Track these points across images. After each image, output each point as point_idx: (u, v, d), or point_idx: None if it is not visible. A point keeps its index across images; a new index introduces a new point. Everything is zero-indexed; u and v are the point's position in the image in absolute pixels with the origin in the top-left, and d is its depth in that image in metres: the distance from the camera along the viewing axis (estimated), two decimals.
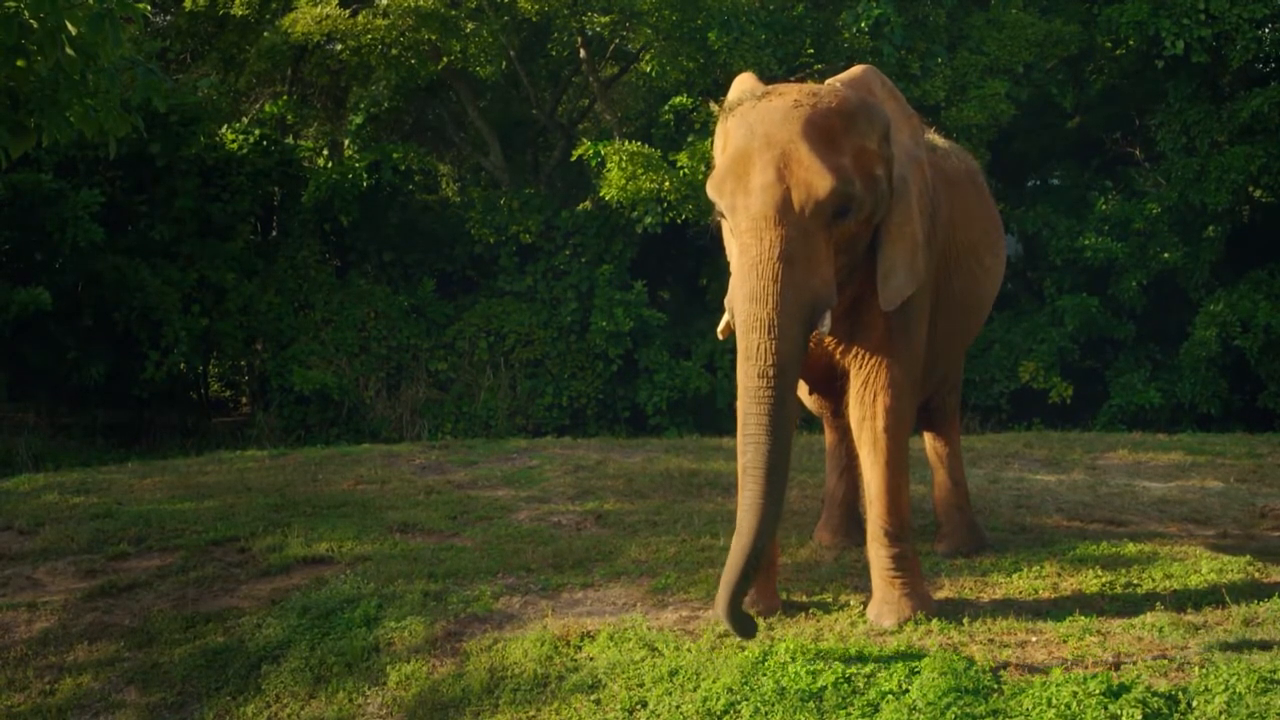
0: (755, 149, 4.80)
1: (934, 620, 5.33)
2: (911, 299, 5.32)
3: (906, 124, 5.38)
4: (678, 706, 4.81)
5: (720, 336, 5.13)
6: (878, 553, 5.46)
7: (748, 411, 4.75)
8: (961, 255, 5.85)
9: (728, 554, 5.67)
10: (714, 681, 4.86)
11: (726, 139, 5.07)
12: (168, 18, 17.38)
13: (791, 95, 4.92)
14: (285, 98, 16.93)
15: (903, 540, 5.44)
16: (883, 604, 5.43)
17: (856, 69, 5.47)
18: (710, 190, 4.95)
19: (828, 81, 5.35)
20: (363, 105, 17.47)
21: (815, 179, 4.70)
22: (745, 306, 4.75)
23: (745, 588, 4.79)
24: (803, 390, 5.77)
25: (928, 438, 6.73)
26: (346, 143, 17.65)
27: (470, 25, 15.10)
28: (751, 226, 4.75)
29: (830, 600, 5.75)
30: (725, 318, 5.00)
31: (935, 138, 6.10)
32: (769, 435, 4.70)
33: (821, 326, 4.82)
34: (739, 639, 4.97)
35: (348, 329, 14.88)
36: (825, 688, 4.70)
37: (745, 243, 4.77)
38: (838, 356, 5.45)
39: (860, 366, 5.36)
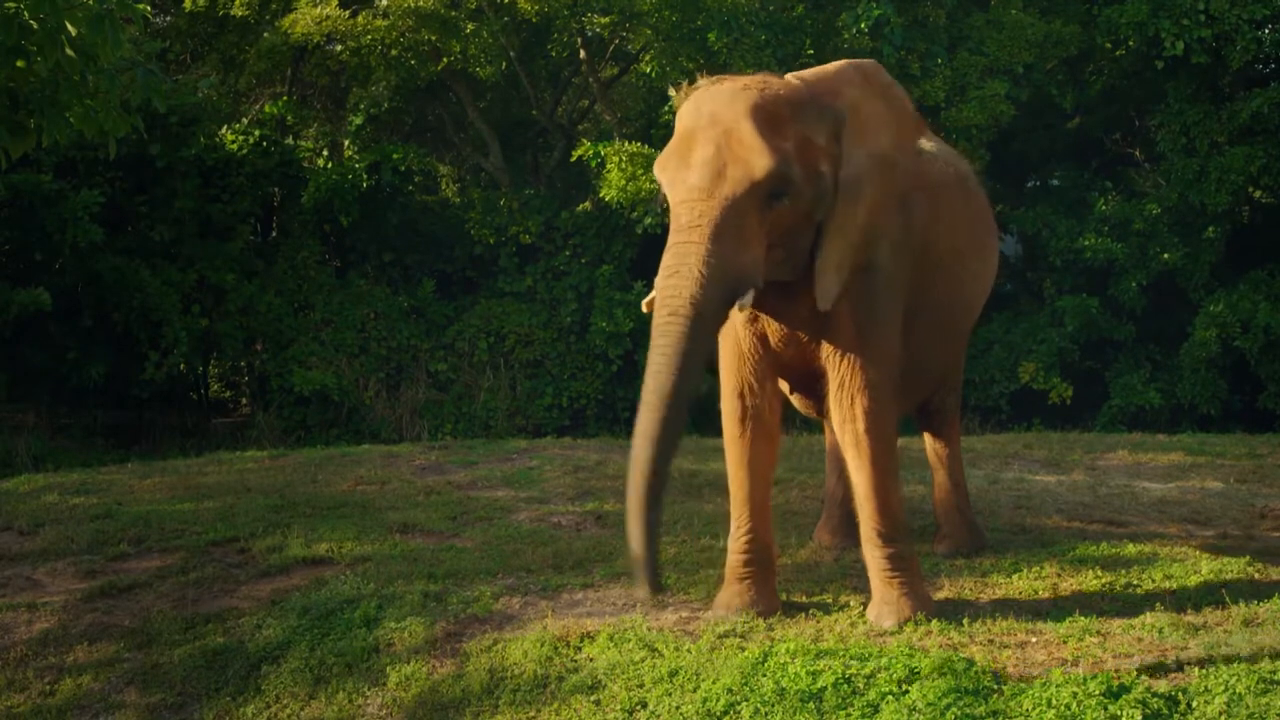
0: (700, 127, 4.89)
1: (934, 621, 5.33)
2: (879, 301, 5.32)
3: (887, 128, 5.31)
4: (677, 707, 4.81)
5: (644, 310, 5.09)
6: (873, 554, 5.46)
7: (654, 346, 4.77)
8: (944, 259, 5.82)
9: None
10: (714, 682, 4.86)
11: (678, 123, 5.12)
12: (167, 18, 17.36)
13: (743, 81, 5.01)
14: (285, 98, 16.92)
15: (897, 540, 5.43)
16: (882, 604, 5.43)
17: (837, 64, 5.46)
18: (655, 169, 5.02)
19: (821, 67, 5.37)
20: (362, 106, 17.47)
21: (754, 156, 4.76)
22: (668, 263, 4.80)
23: (653, 523, 4.72)
24: (785, 389, 5.78)
25: (927, 439, 6.73)
26: (346, 143, 17.65)
27: (470, 26, 15.09)
28: (686, 198, 4.82)
29: (830, 601, 5.75)
30: (652, 294, 4.99)
31: (924, 141, 6.08)
32: (670, 368, 4.70)
33: (740, 302, 4.84)
34: (643, 590, 4.88)
35: (347, 330, 14.87)
36: (825, 688, 4.70)
37: (677, 213, 4.84)
38: (812, 357, 5.44)
39: (835, 368, 5.36)
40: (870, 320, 5.33)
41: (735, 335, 5.50)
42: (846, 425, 5.37)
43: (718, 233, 4.73)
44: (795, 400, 5.90)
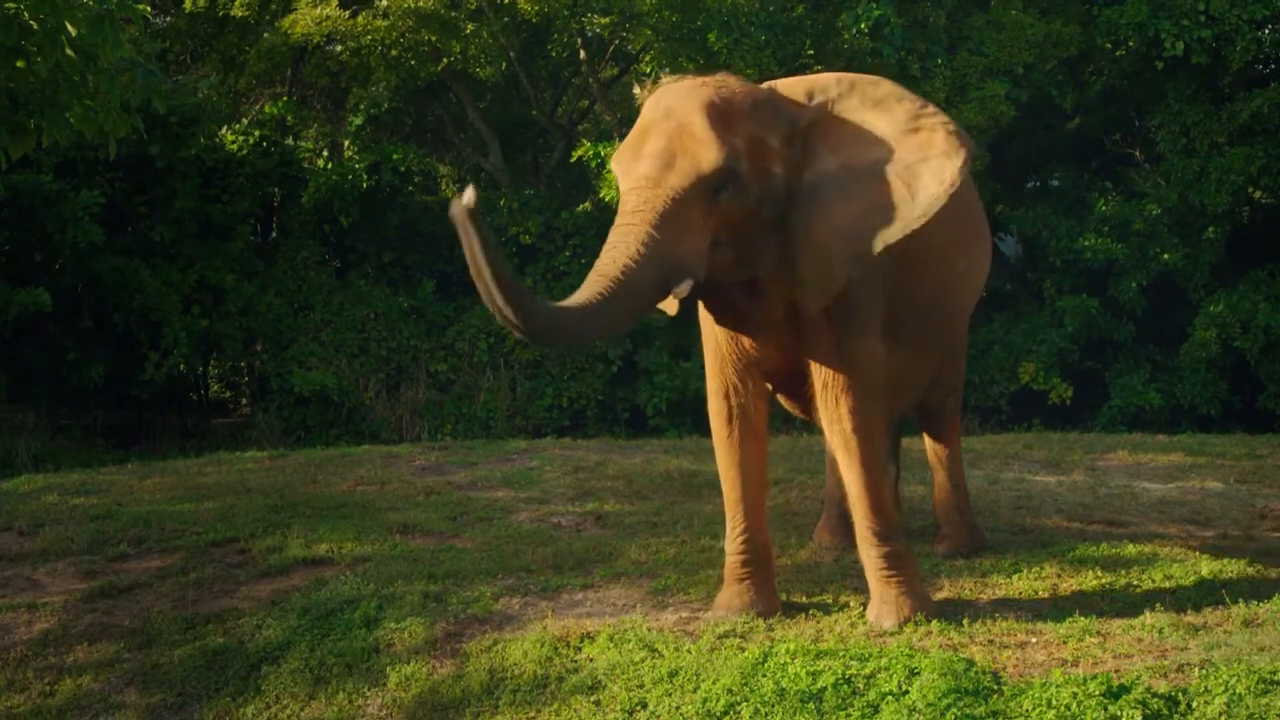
0: (655, 120, 4.95)
1: (934, 621, 5.33)
2: (855, 302, 5.30)
3: (865, 142, 5.21)
4: (677, 707, 4.82)
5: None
6: (869, 554, 5.46)
7: (579, 292, 4.76)
8: (926, 260, 5.80)
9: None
10: (714, 682, 4.86)
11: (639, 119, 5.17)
12: (167, 19, 17.37)
13: (702, 80, 5.06)
14: (285, 99, 16.92)
15: (892, 539, 5.43)
16: (881, 604, 5.43)
17: (825, 76, 5.47)
18: (612, 162, 5.07)
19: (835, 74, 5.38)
20: (362, 106, 17.47)
21: (702, 149, 4.81)
22: (608, 242, 4.83)
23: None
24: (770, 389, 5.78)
25: (927, 439, 6.73)
26: (346, 144, 17.66)
27: (470, 26, 15.09)
28: (634, 185, 4.87)
29: (830, 601, 5.75)
30: None
31: None
32: (582, 305, 4.69)
33: (676, 290, 4.84)
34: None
35: (347, 330, 14.87)
36: (825, 689, 4.70)
37: (624, 199, 4.90)
38: (792, 360, 5.44)
39: (817, 371, 5.37)
40: (848, 323, 5.32)
41: (715, 337, 5.52)
42: (834, 427, 5.38)
43: (660, 219, 4.78)
44: (782, 401, 5.90)
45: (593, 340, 5.05)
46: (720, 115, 4.89)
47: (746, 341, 5.42)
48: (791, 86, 5.34)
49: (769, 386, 5.70)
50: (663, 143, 4.87)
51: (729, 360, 5.51)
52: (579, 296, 4.75)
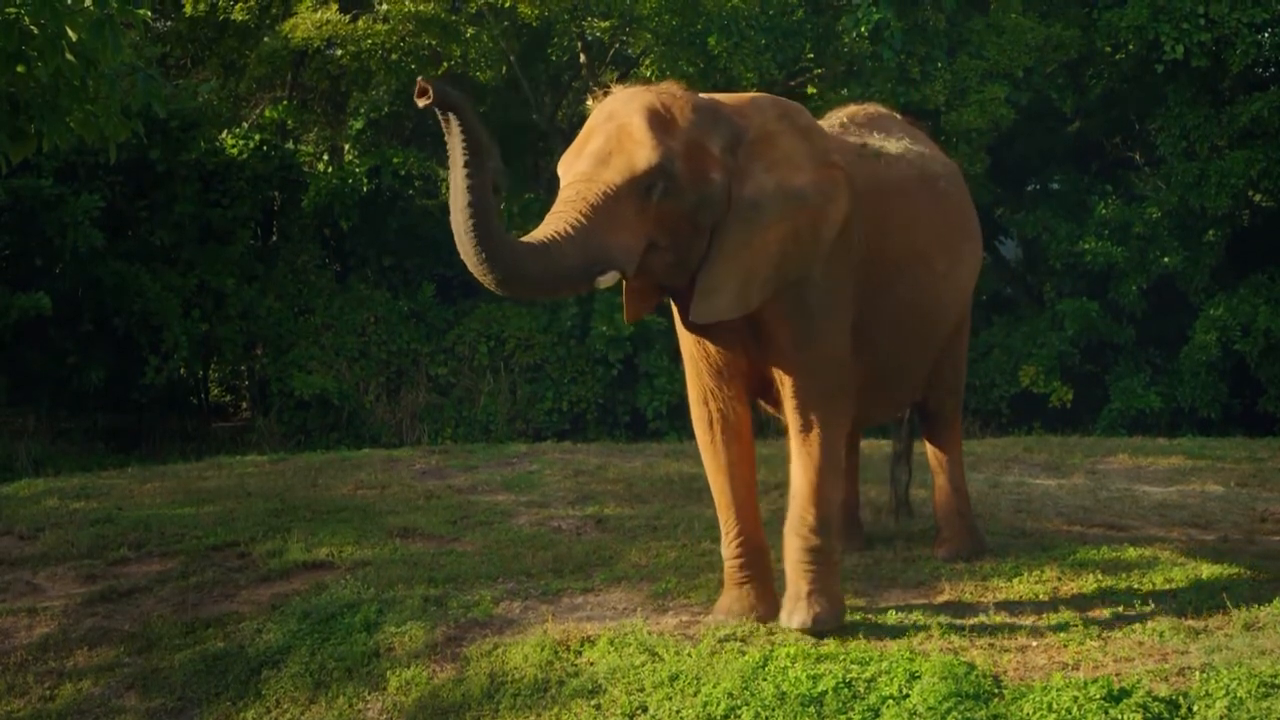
0: (598, 124, 5.10)
1: (934, 624, 5.33)
2: (811, 308, 5.32)
3: (805, 165, 5.27)
4: (678, 711, 4.81)
5: None
6: (793, 544, 5.38)
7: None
8: (902, 262, 5.80)
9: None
10: (714, 686, 4.86)
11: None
12: (168, 23, 17.37)
13: (648, 88, 5.22)
14: (285, 103, 16.92)
15: (821, 533, 5.34)
16: (794, 600, 5.36)
17: (755, 95, 5.56)
18: (559, 167, 5.17)
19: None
20: (363, 110, 17.47)
21: (638, 149, 4.92)
22: (543, 222, 4.92)
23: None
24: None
25: (928, 443, 6.73)
26: (346, 147, 17.65)
27: (470, 30, 15.10)
28: (572, 181, 4.99)
29: None
30: None
31: (889, 143, 6.07)
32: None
33: (600, 279, 4.91)
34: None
35: (348, 334, 14.87)
36: (825, 692, 4.70)
37: (561, 192, 5.01)
38: (757, 364, 5.46)
39: (781, 375, 5.39)
40: (806, 331, 5.33)
41: (689, 344, 5.55)
42: (794, 428, 5.40)
43: (591, 209, 4.87)
44: (762, 405, 5.91)
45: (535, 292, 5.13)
46: (659, 119, 5.01)
47: (713, 347, 5.46)
48: (733, 101, 5.41)
49: (742, 391, 5.71)
50: (601, 142, 5.01)
51: (703, 366, 5.54)
52: (530, 237, 4.85)
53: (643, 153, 4.91)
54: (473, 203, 4.60)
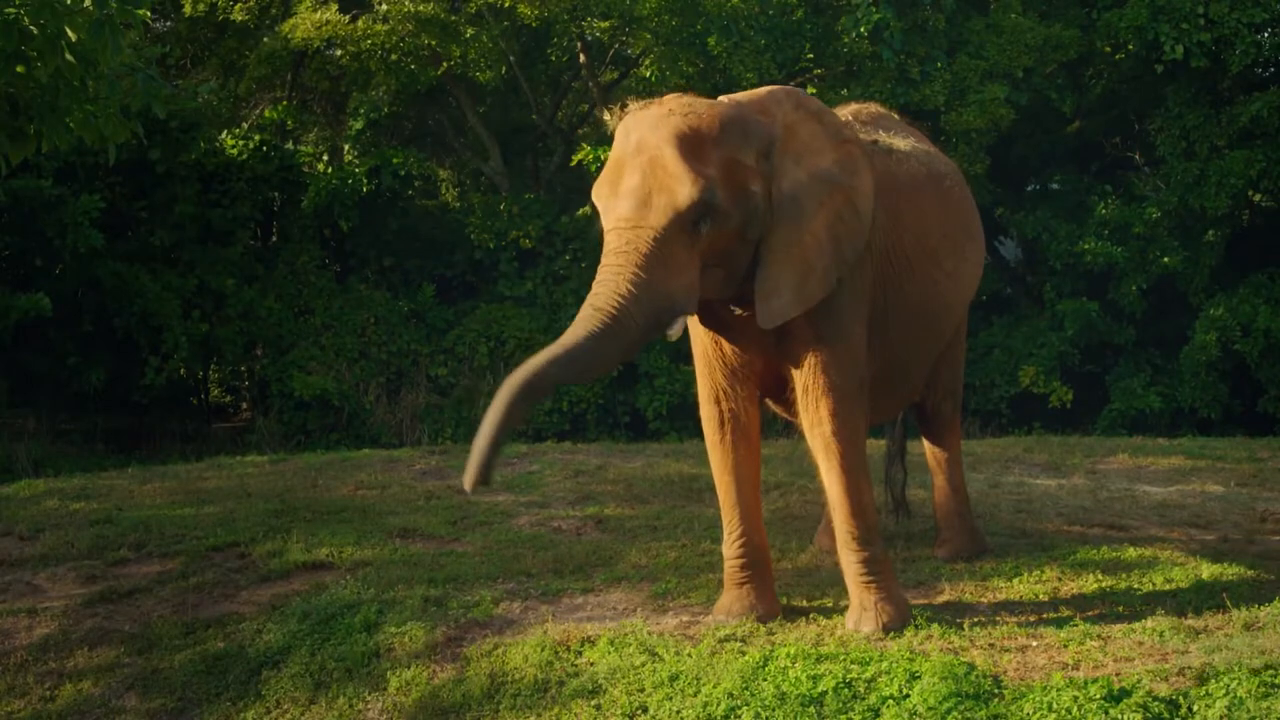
0: (628, 155, 4.99)
1: (934, 625, 5.33)
2: (838, 305, 5.32)
3: (828, 149, 5.31)
4: (678, 711, 4.81)
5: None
6: (849, 559, 5.45)
7: (571, 329, 4.80)
8: (914, 261, 5.82)
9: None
10: (714, 686, 4.86)
11: (612, 149, 5.20)
12: (168, 23, 17.38)
13: (669, 105, 5.06)
14: (285, 103, 16.93)
15: (871, 543, 5.42)
16: (861, 610, 5.43)
17: (768, 89, 5.50)
18: (593, 195, 5.10)
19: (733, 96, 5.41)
20: (362, 111, 17.46)
21: (676, 185, 4.83)
22: (598, 278, 4.85)
23: (505, 428, 4.67)
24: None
25: (927, 443, 6.73)
26: (346, 148, 17.65)
27: (470, 31, 15.09)
28: (615, 226, 4.91)
29: (830, 605, 5.75)
30: None
31: (897, 140, 6.08)
32: (579, 343, 4.73)
33: (669, 331, 4.92)
34: (470, 479, 4.69)
35: (348, 334, 14.87)
36: (826, 692, 4.70)
37: (608, 239, 4.93)
38: (776, 365, 5.46)
39: (799, 375, 5.38)
40: (831, 327, 5.33)
41: (703, 342, 5.53)
42: (815, 430, 5.39)
43: (646, 260, 4.81)
44: (770, 404, 5.91)
45: (587, 380, 5.10)
46: (691, 145, 4.90)
47: (730, 347, 5.46)
48: (753, 101, 5.35)
49: (757, 392, 5.71)
50: (638, 179, 4.90)
51: (716, 365, 5.54)
52: (570, 336, 4.77)
53: (684, 190, 4.82)
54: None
